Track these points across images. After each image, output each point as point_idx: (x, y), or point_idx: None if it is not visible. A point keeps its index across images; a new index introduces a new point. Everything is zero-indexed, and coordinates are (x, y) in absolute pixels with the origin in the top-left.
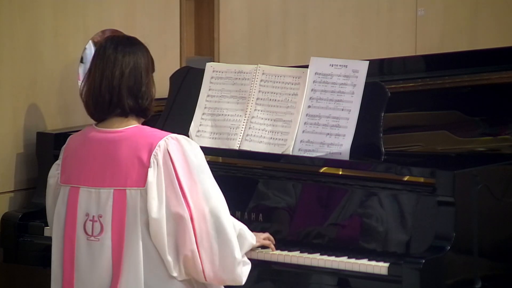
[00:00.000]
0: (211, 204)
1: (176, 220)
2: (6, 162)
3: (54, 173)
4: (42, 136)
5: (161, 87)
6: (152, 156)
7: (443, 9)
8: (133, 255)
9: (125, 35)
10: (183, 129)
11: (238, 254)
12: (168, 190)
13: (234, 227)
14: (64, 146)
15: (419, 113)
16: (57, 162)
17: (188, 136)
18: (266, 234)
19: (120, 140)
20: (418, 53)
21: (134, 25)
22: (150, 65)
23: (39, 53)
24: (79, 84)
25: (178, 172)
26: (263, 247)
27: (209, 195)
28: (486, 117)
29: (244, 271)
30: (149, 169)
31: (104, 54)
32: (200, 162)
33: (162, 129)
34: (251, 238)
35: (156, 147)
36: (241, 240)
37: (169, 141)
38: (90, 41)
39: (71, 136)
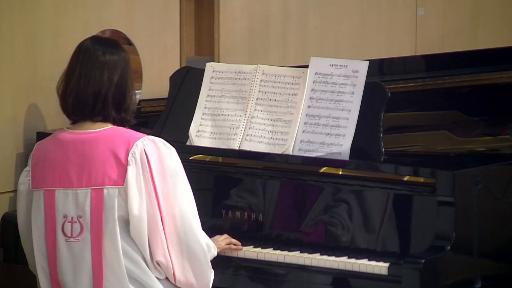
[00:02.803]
0: (182, 208)
1: (148, 220)
2: (6, 162)
3: (24, 179)
4: (42, 136)
5: (161, 87)
6: (130, 154)
7: (443, 9)
8: (113, 253)
9: (108, 38)
10: (183, 129)
11: (208, 258)
12: (144, 188)
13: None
14: (32, 152)
15: (419, 113)
16: (26, 168)
17: (187, 137)
18: (225, 236)
19: (96, 140)
20: (418, 53)
21: (134, 25)
22: (131, 70)
23: (39, 53)
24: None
25: (153, 174)
26: (263, 247)
27: (181, 199)
28: (486, 117)
29: (212, 277)
30: (128, 167)
31: (90, 55)
32: (175, 166)
33: (162, 130)
34: (214, 249)
35: (134, 146)
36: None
37: (146, 142)
38: None
39: (38, 142)
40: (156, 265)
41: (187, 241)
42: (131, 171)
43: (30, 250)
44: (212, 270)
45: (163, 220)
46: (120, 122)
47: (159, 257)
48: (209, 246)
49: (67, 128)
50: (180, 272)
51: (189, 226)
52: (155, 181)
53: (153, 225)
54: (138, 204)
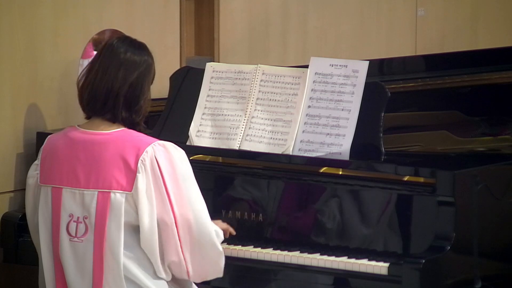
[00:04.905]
0: (196, 210)
1: (161, 226)
2: (6, 162)
3: (33, 173)
4: (42, 136)
5: (161, 87)
6: (140, 161)
7: (443, 9)
8: (113, 257)
9: (135, 39)
10: (183, 129)
11: (220, 249)
12: (155, 196)
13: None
14: (43, 146)
15: (419, 113)
16: (36, 162)
17: (187, 137)
18: (219, 221)
19: (106, 142)
20: (418, 53)
21: (134, 25)
22: (152, 77)
23: (39, 53)
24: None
25: (165, 179)
26: (263, 247)
27: (194, 202)
28: (486, 117)
29: (223, 262)
30: (137, 174)
31: (111, 52)
32: (186, 169)
33: (162, 130)
34: (221, 233)
35: (144, 153)
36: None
37: (157, 148)
38: (91, 42)
39: (49, 136)
40: (167, 267)
41: (201, 241)
42: (141, 179)
43: (38, 242)
44: (223, 253)
45: (177, 224)
46: (129, 123)
47: (172, 258)
48: (218, 234)
49: (78, 126)
50: (194, 269)
51: (203, 227)
52: (168, 187)
53: (167, 231)
54: (148, 214)
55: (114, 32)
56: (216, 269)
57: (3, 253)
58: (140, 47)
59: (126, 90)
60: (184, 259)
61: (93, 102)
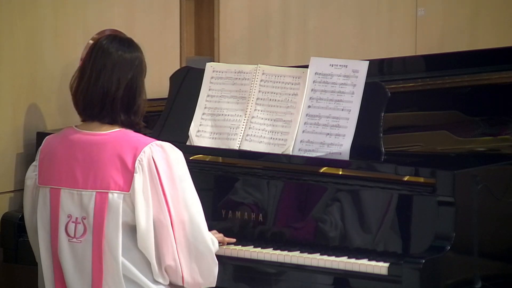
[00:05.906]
0: (191, 212)
1: (157, 227)
2: (6, 162)
3: (31, 174)
4: (42, 136)
5: (161, 87)
6: (137, 161)
7: (443, 9)
8: (112, 257)
9: (125, 37)
10: (183, 129)
11: (215, 257)
12: (152, 196)
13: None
14: (41, 147)
15: (419, 113)
16: (34, 163)
17: (187, 137)
18: (214, 231)
19: (104, 143)
20: (418, 53)
21: (134, 25)
22: (145, 73)
23: (39, 53)
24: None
25: (162, 179)
26: (263, 247)
27: (190, 203)
28: (486, 117)
29: (217, 272)
30: (135, 174)
31: (103, 53)
32: (183, 170)
33: (162, 130)
34: (217, 243)
35: (141, 153)
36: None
37: (154, 148)
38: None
39: (48, 137)
40: (164, 271)
41: (195, 244)
42: (138, 179)
43: (36, 243)
44: (217, 263)
45: (173, 225)
46: (129, 125)
47: (169, 262)
48: (214, 242)
49: (76, 126)
50: (188, 274)
51: (198, 229)
52: (164, 188)
53: (163, 232)
54: (145, 214)
55: (114, 32)
56: (210, 278)
57: (3, 253)
58: (130, 44)
59: (122, 93)
60: (180, 263)
61: (89, 108)
